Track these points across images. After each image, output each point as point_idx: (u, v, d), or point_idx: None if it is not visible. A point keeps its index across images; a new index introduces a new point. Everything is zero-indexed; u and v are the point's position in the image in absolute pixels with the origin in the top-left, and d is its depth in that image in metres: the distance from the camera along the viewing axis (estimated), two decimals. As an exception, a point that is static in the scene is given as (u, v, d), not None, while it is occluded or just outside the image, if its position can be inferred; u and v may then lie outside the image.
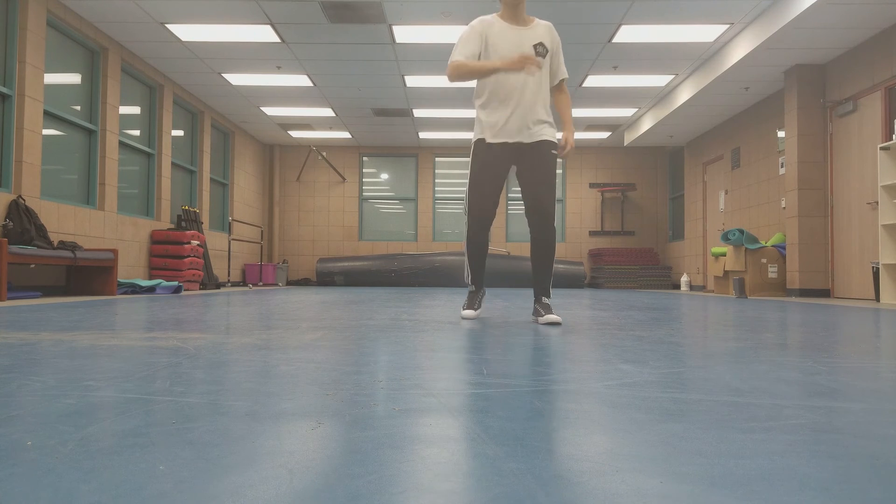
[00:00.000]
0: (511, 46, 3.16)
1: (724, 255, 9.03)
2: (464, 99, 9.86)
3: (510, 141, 3.20)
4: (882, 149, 6.19)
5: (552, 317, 2.99)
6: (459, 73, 3.12)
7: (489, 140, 3.22)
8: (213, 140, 10.89)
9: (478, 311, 3.39)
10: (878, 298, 6.37)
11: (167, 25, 7.08)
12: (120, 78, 7.69)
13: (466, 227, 3.34)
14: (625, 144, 12.13)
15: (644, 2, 6.41)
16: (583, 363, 1.68)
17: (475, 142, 3.29)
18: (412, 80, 8.97)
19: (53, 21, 6.53)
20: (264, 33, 7.29)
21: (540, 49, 3.19)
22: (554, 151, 3.19)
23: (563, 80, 3.38)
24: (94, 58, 7.35)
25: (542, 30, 3.23)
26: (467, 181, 3.32)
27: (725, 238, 8.54)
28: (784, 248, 8.09)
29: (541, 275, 3.20)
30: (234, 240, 10.75)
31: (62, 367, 1.54)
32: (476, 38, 3.17)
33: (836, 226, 7.45)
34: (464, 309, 3.40)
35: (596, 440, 0.90)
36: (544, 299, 3.17)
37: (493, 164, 3.22)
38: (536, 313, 3.15)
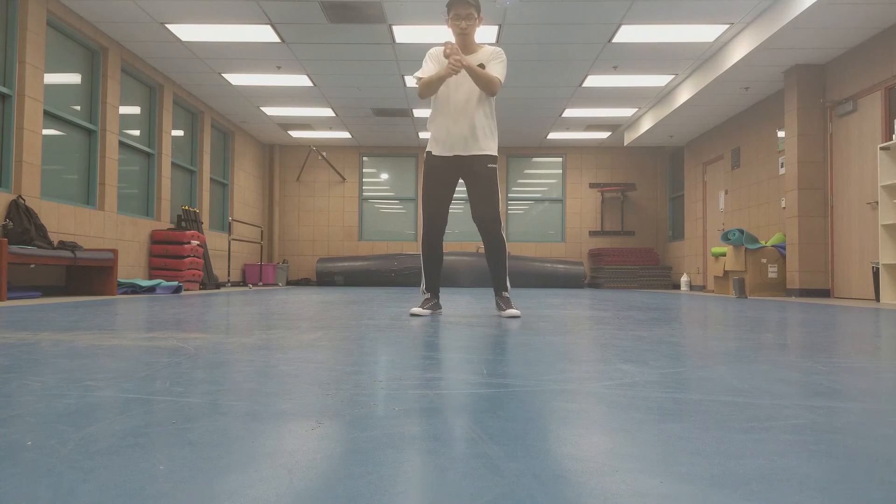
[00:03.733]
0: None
1: (724, 255, 9.03)
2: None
3: (450, 154, 3.57)
4: (882, 149, 6.19)
5: (512, 311, 3.47)
6: (422, 89, 3.56)
7: (434, 153, 3.60)
8: (213, 140, 10.89)
9: (429, 314, 3.57)
10: (878, 298, 6.37)
11: (167, 25, 7.08)
12: (120, 78, 7.69)
13: (422, 235, 3.67)
14: (625, 144, 12.14)
15: (644, 2, 6.41)
16: (583, 363, 1.68)
17: (425, 154, 3.67)
18: (412, 80, 8.96)
19: (53, 21, 6.53)
20: (264, 33, 7.29)
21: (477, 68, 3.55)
22: (491, 165, 3.56)
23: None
24: (94, 58, 7.35)
25: (484, 54, 3.60)
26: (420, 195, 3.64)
27: (725, 238, 8.54)
28: (784, 248, 8.09)
29: (495, 274, 3.64)
30: (234, 240, 10.76)
31: (62, 367, 1.55)
32: (432, 62, 3.62)
33: (836, 226, 7.45)
34: (415, 307, 3.67)
35: (596, 440, 0.90)
36: (504, 293, 3.62)
37: (438, 174, 3.58)
38: (498, 307, 3.60)
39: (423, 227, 3.62)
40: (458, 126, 3.53)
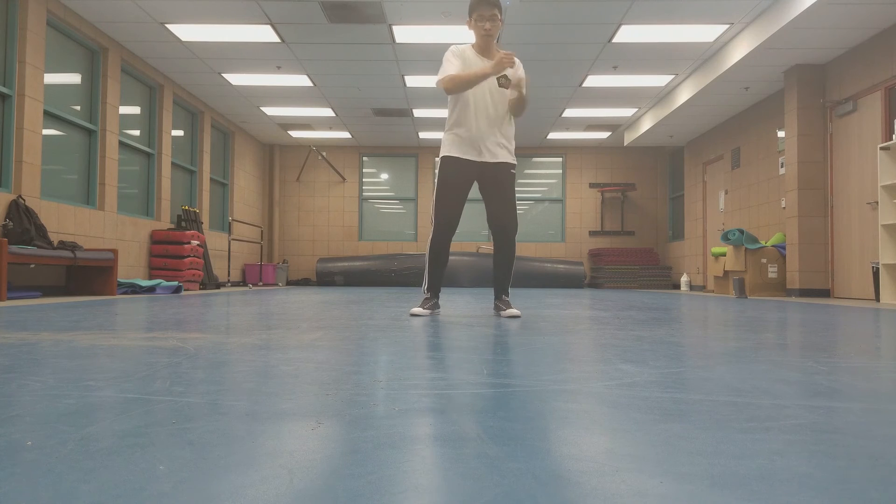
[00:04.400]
0: None
1: (724, 255, 9.03)
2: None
3: (474, 159, 3.53)
4: (882, 149, 6.19)
5: (512, 311, 3.49)
6: (456, 84, 3.42)
7: (455, 156, 3.55)
8: (213, 140, 10.89)
9: (428, 314, 3.57)
10: (878, 298, 6.37)
11: (167, 25, 7.08)
12: (120, 78, 7.69)
13: (431, 237, 3.64)
14: (625, 144, 12.13)
15: (644, 2, 6.41)
16: (583, 363, 1.68)
17: (442, 158, 3.61)
18: (412, 80, 8.97)
19: (53, 21, 6.53)
20: (264, 33, 7.29)
21: (503, 81, 3.53)
22: (512, 171, 3.60)
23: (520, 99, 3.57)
24: (94, 58, 7.35)
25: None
26: (434, 195, 3.62)
27: (725, 238, 8.54)
28: (784, 248, 8.09)
29: (501, 279, 3.66)
30: (234, 240, 10.75)
31: (62, 367, 1.54)
32: (456, 59, 3.53)
33: (836, 226, 7.45)
34: (415, 307, 3.68)
35: (596, 440, 0.90)
36: (504, 297, 3.66)
37: (457, 179, 3.55)
38: (498, 308, 3.63)
39: (434, 231, 3.60)
40: (490, 133, 3.52)
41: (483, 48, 3.56)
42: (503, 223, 3.55)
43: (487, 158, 3.54)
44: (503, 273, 3.64)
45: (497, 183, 3.56)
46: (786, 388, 1.33)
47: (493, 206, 3.57)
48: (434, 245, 3.62)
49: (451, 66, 3.47)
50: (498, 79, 3.52)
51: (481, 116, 3.51)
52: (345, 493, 0.67)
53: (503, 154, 3.58)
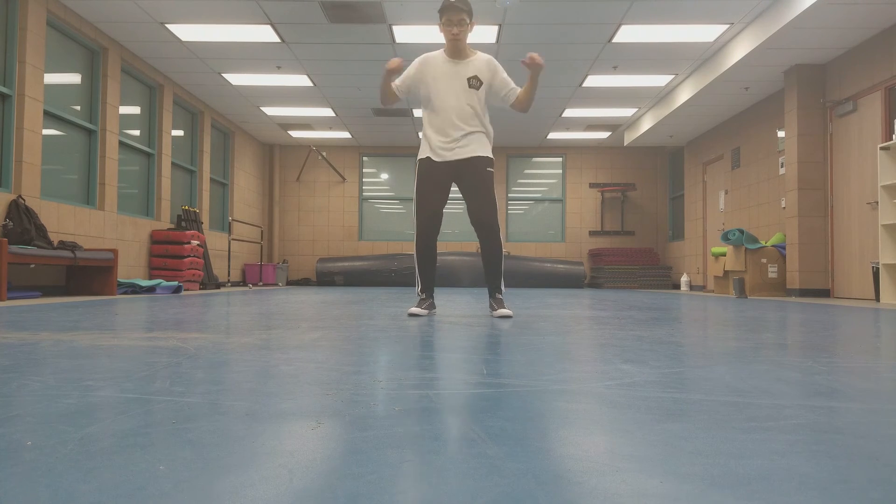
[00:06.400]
0: (445, 77, 3.57)
1: (724, 255, 9.03)
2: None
3: (447, 160, 3.57)
4: (882, 149, 6.19)
5: (504, 311, 3.50)
6: (380, 96, 3.63)
7: (429, 157, 3.60)
8: (213, 140, 10.89)
9: (426, 314, 3.59)
10: (878, 298, 6.37)
11: (167, 25, 7.08)
12: (120, 78, 7.69)
13: (415, 239, 3.68)
14: (625, 144, 12.13)
15: (644, 2, 6.41)
16: (583, 363, 1.68)
17: (418, 161, 3.68)
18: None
19: (53, 21, 6.53)
20: (264, 33, 7.29)
21: (473, 82, 3.59)
22: (489, 169, 3.59)
23: (516, 91, 3.63)
24: (94, 58, 7.34)
25: (479, 63, 3.61)
26: (414, 198, 3.68)
27: (725, 238, 8.54)
28: (784, 248, 8.09)
29: (491, 276, 3.67)
30: (234, 240, 10.75)
31: (62, 367, 1.54)
32: (413, 68, 3.64)
33: (836, 226, 7.45)
34: (412, 307, 3.70)
35: (596, 440, 0.90)
36: (497, 295, 3.66)
37: (433, 179, 3.60)
38: (491, 307, 3.62)
39: (418, 231, 3.62)
40: (454, 131, 3.54)
41: (453, 51, 3.61)
42: (481, 219, 3.54)
43: (459, 155, 3.56)
44: (491, 270, 3.66)
45: (472, 179, 3.57)
46: (786, 388, 1.33)
47: (471, 202, 3.58)
48: (419, 247, 3.66)
49: (403, 76, 3.63)
50: (468, 79, 3.56)
51: (447, 115, 3.55)
52: (345, 493, 0.67)
53: (475, 147, 3.57)
